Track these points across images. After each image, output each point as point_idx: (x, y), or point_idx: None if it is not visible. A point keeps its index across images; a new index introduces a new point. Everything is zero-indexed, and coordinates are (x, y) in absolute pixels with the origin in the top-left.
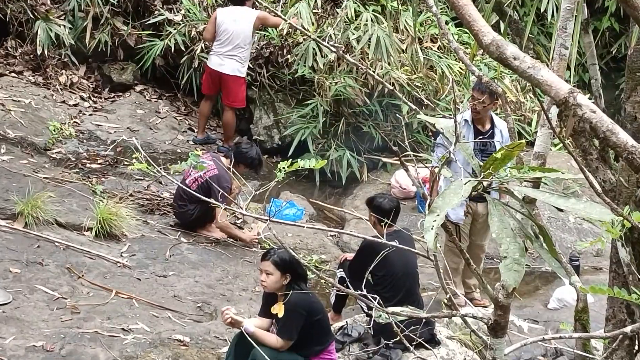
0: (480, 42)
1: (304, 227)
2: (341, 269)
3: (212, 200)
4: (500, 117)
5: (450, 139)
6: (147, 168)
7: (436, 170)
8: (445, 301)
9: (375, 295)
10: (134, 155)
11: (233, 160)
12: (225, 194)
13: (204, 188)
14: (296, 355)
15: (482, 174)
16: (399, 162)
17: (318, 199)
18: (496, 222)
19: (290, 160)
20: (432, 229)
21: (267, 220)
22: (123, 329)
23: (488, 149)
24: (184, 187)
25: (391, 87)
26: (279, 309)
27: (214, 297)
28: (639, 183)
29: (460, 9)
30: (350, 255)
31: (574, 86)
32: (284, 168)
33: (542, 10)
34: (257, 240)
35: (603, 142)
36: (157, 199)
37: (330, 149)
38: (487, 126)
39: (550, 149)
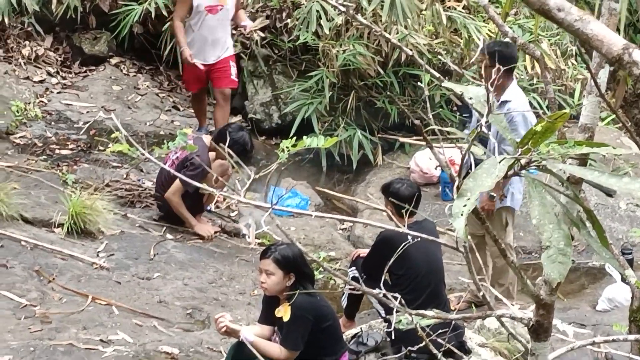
0: None
1: (311, 215)
2: (354, 268)
3: (203, 186)
4: (530, 87)
5: (481, 110)
6: (129, 149)
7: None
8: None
9: (397, 295)
10: (112, 135)
11: (214, 139)
12: (196, 170)
13: (181, 168)
14: None
15: (520, 150)
16: (418, 143)
17: (325, 187)
18: (537, 207)
19: (292, 139)
20: (461, 215)
21: (269, 207)
22: (102, 340)
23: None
24: (166, 168)
25: (410, 52)
26: (284, 311)
27: (206, 303)
28: None
29: None
30: (364, 252)
31: None
32: (287, 147)
33: None
34: (214, 237)
35: None
36: (137, 190)
37: (338, 128)
38: (499, 97)
39: (597, 125)
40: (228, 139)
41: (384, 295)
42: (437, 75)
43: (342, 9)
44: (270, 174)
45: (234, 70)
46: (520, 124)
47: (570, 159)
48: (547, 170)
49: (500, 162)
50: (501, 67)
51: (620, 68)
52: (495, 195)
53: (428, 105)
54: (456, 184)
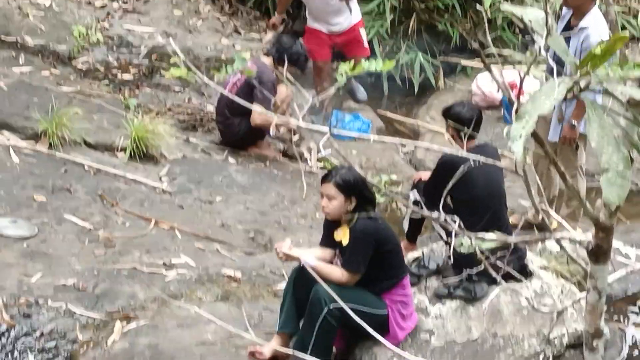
0: None
1: (370, 140)
2: (415, 191)
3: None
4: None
5: (541, 32)
6: (188, 74)
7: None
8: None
9: (456, 218)
10: (172, 60)
11: (275, 57)
12: (267, 87)
13: (245, 91)
14: (365, 291)
15: (579, 72)
16: (480, 65)
17: (387, 110)
18: (595, 129)
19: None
20: (520, 137)
21: (328, 132)
22: (164, 263)
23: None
24: (226, 93)
25: None
26: (343, 235)
27: (267, 226)
28: None
29: None
30: (425, 175)
31: None
32: (345, 71)
33: None
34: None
35: None
36: (199, 113)
37: (400, 51)
38: (578, 23)
39: None
40: (292, 52)
41: (445, 220)
42: None
43: None
44: (330, 97)
45: (364, 35)
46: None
47: (630, 81)
48: (607, 93)
49: (558, 85)
50: None
51: None
52: (576, 123)
53: (487, 28)
54: (514, 106)
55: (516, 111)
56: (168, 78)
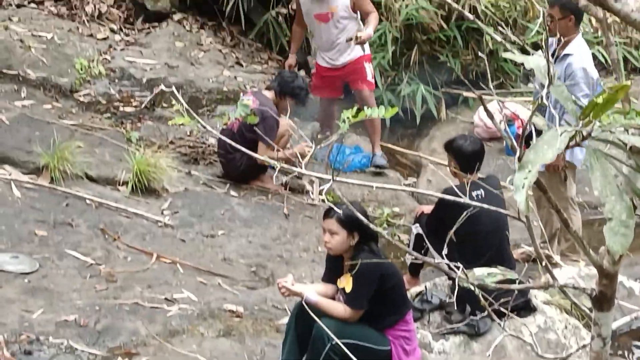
0: None
1: (373, 187)
2: (417, 224)
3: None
4: (595, 40)
5: (543, 79)
6: (190, 121)
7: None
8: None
9: (458, 264)
10: (174, 106)
11: (277, 91)
12: (270, 123)
13: (247, 126)
14: (367, 327)
15: (581, 121)
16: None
17: (389, 142)
18: (599, 177)
19: (355, 107)
20: (523, 187)
21: (330, 179)
22: (166, 298)
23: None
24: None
25: (471, 17)
26: (346, 282)
27: (270, 260)
28: None
29: None
30: (427, 208)
31: None
32: (348, 118)
33: None
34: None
35: None
36: (201, 147)
37: (401, 82)
38: (562, 51)
39: None
40: (293, 86)
41: (446, 263)
42: (499, 39)
43: None
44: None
45: (369, 70)
46: (582, 79)
47: (632, 129)
48: (609, 141)
49: (561, 134)
50: (572, 17)
51: None
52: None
53: (486, 61)
54: (517, 154)
55: (519, 159)
56: (171, 110)
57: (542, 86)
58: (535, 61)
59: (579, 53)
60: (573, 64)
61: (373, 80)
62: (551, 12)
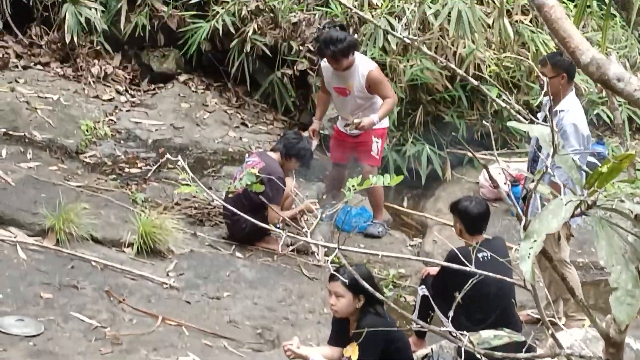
0: (578, 61)
1: (378, 255)
2: (423, 286)
3: (264, 225)
4: (599, 100)
5: (547, 147)
6: (196, 190)
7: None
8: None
9: (464, 332)
10: (182, 176)
11: (283, 153)
12: (278, 184)
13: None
14: None
15: (585, 190)
16: (488, 157)
17: (394, 202)
18: (604, 247)
19: (360, 176)
20: (528, 257)
21: (335, 248)
22: None
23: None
24: (228, 201)
25: (476, 83)
26: (352, 351)
27: (276, 322)
28: None
29: (554, 23)
30: (433, 270)
31: None
32: (353, 187)
33: None
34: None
35: None
36: (207, 208)
37: (406, 143)
38: (555, 108)
39: None
40: (298, 148)
41: (451, 331)
42: (503, 104)
43: (408, 40)
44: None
45: (376, 146)
46: (572, 134)
47: (638, 197)
48: (615, 210)
49: (566, 203)
50: (565, 75)
51: None
52: None
53: (491, 124)
54: (522, 223)
55: (524, 228)
56: (177, 172)
57: (545, 152)
58: (540, 130)
59: (572, 109)
60: (564, 119)
61: (378, 157)
62: (543, 70)
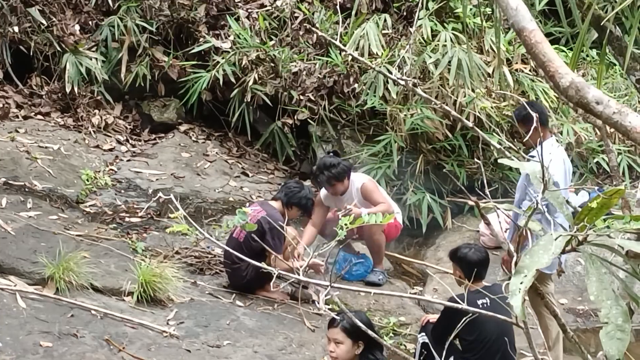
0: (558, 84)
1: (371, 293)
2: (423, 333)
3: (264, 265)
4: (600, 148)
5: (538, 185)
6: (189, 229)
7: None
8: None
9: None
10: (173, 215)
11: (284, 202)
12: (280, 232)
13: (253, 236)
14: None
15: (576, 226)
16: (488, 205)
17: (394, 251)
18: (594, 283)
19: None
20: (518, 292)
21: (327, 285)
22: None
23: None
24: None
25: (470, 125)
26: None
27: None
28: None
29: (533, 47)
30: (433, 317)
31: None
32: (345, 225)
33: None
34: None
35: None
36: (207, 257)
37: (407, 191)
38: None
39: None
40: (300, 197)
41: None
42: (498, 146)
43: (402, 82)
44: (331, 246)
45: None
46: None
47: (628, 233)
48: (605, 246)
49: (556, 238)
50: (535, 123)
51: None
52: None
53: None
54: (514, 260)
55: (515, 264)
56: (177, 220)
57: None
58: (531, 166)
59: (546, 154)
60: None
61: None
62: (519, 127)
